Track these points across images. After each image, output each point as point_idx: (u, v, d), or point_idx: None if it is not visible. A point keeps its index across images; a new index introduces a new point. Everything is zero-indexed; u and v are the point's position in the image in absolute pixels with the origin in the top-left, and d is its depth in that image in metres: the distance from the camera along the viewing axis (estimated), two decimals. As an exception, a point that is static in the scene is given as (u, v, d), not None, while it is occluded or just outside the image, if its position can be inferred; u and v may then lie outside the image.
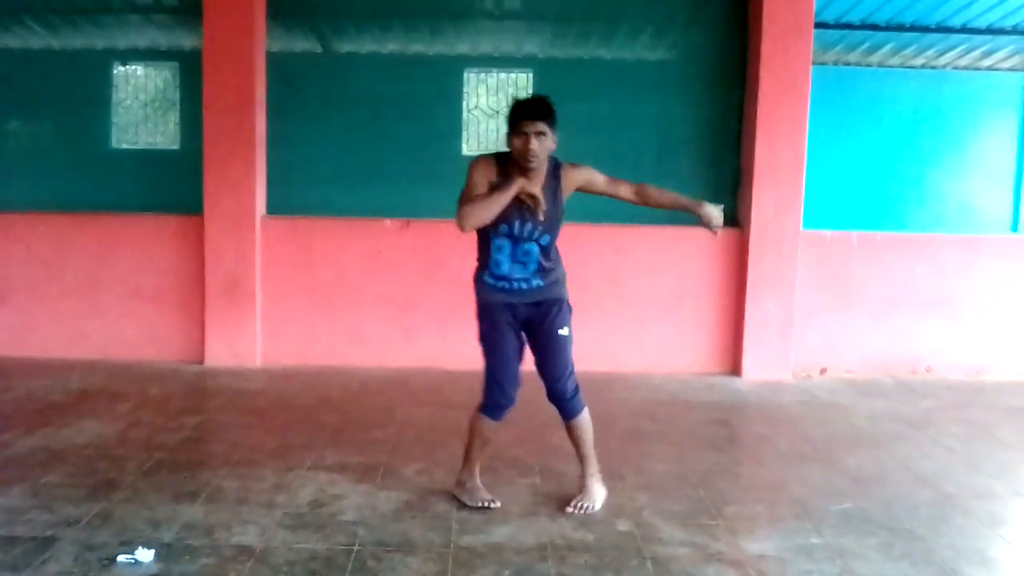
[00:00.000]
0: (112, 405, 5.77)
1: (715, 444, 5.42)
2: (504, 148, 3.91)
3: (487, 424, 4.10)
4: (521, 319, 4.02)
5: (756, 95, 6.83)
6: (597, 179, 4.01)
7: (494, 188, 3.82)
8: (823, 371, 7.20)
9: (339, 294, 7.06)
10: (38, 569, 3.37)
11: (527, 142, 3.74)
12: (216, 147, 6.85)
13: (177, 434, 5.18)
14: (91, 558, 3.49)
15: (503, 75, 7.28)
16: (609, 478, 4.52)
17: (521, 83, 7.24)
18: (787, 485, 4.60)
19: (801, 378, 7.07)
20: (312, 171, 7.18)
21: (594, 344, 6.98)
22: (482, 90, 7.29)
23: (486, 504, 4.10)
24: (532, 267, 3.95)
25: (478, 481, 4.21)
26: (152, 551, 3.51)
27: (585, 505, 4.12)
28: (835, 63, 7.36)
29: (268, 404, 5.95)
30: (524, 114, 3.76)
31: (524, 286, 3.97)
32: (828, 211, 7.26)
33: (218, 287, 6.95)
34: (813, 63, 6.87)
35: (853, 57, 7.36)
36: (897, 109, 7.29)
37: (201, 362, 7.02)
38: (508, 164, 3.87)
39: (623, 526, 3.98)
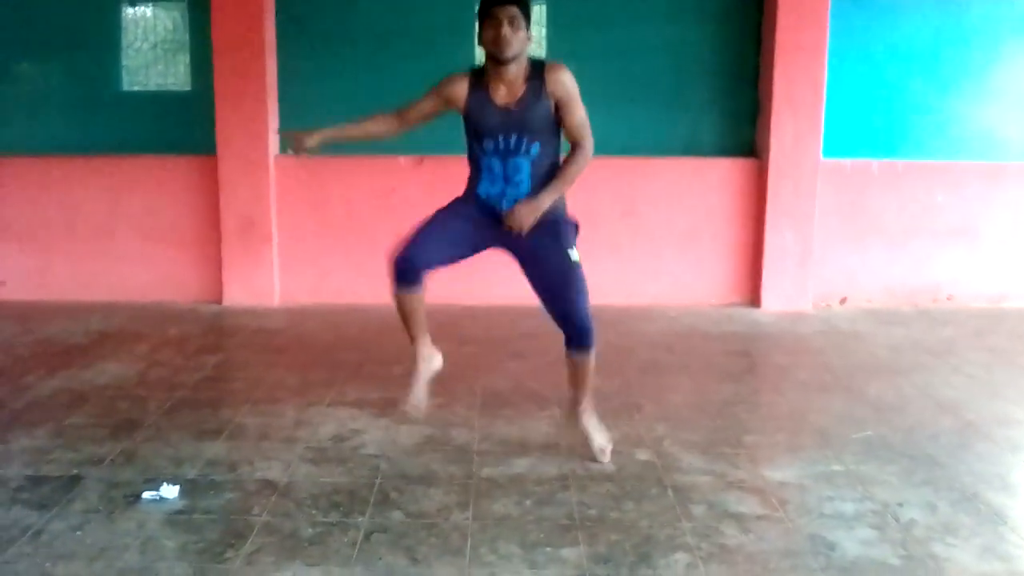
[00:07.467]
0: (132, 346, 5.80)
1: (734, 375, 5.41)
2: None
3: (397, 296, 3.82)
4: (504, 237, 3.69)
5: (774, 21, 6.69)
6: (569, 114, 3.64)
7: (469, 107, 3.66)
8: (843, 301, 7.16)
9: (354, 232, 7.03)
10: (65, 507, 3.41)
11: (499, 26, 3.50)
12: (227, 87, 6.79)
13: (197, 373, 5.21)
14: (116, 496, 3.53)
15: (515, 7, 7.15)
16: (627, 409, 4.54)
17: (534, 14, 7.11)
18: (807, 414, 4.60)
19: (821, 308, 7.03)
20: (324, 108, 7.08)
21: (610, 277, 6.95)
22: (494, 23, 7.16)
23: (407, 408, 3.94)
24: (526, 186, 3.63)
25: (419, 368, 3.97)
26: (176, 487, 3.55)
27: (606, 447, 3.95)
28: (855, -13, 7.19)
29: (287, 342, 5.97)
30: (495, 0, 3.54)
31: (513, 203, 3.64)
32: (848, 139, 7.15)
33: (234, 227, 6.94)
34: (832, -12, 6.74)
35: (873, -19, 7.20)
36: (918, 34, 7.13)
37: (219, 302, 7.03)
38: (483, 75, 3.66)
39: (643, 455, 3.99)
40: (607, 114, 7.00)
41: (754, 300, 7.03)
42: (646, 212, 7.02)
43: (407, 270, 3.72)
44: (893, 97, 7.15)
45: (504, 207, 3.67)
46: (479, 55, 7.07)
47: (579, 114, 3.67)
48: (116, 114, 7.24)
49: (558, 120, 3.67)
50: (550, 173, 3.67)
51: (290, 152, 3.72)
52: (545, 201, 3.59)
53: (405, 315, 3.89)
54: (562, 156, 3.75)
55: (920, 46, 7.12)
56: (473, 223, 3.74)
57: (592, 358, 3.84)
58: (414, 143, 6.90)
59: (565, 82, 3.63)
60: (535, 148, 3.63)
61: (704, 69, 7.10)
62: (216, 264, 7.05)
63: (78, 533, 3.21)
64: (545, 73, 3.62)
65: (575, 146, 3.70)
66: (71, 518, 3.33)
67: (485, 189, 3.71)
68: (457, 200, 3.83)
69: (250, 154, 6.85)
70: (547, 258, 3.71)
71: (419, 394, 3.95)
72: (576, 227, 3.80)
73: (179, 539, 3.18)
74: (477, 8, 3.63)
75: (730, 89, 7.10)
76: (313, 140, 3.70)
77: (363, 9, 7.09)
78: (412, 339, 3.97)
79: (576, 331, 3.75)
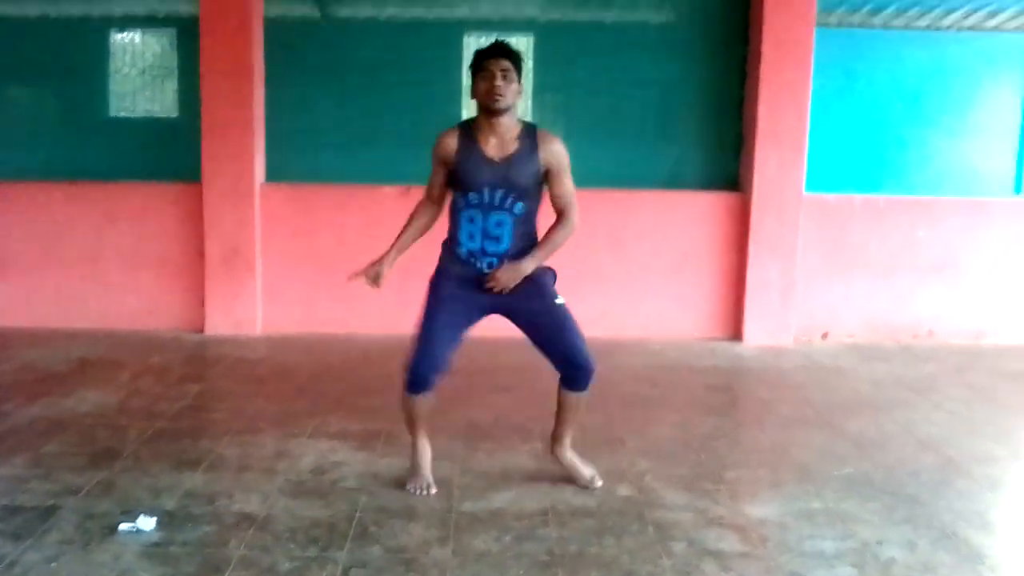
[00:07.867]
0: (113, 374, 5.77)
1: (717, 409, 5.42)
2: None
3: (409, 400, 3.86)
4: (491, 302, 3.75)
5: (759, 57, 6.77)
6: (559, 184, 3.76)
7: (459, 159, 3.67)
8: (825, 336, 7.18)
9: (339, 261, 6.94)
10: (40, 538, 3.38)
11: (492, 78, 3.58)
12: (214, 114, 6.80)
13: (178, 403, 5.18)
14: (93, 527, 3.49)
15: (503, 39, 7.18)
16: (610, 443, 4.53)
17: (522, 48, 7.15)
18: (789, 450, 4.60)
19: (803, 343, 7.06)
20: (311, 138, 7.14)
21: (595, 310, 6.95)
22: (481, 55, 7.21)
23: (419, 491, 3.88)
24: (505, 244, 3.69)
25: (420, 461, 3.99)
26: (154, 519, 3.52)
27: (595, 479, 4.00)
28: (838, 25, 7.26)
29: (269, 372, 5.95)
30: (488, 54, 3.64)
31: (495, 262, 3.70)
32: (830, 175, 7.20)
33: (218, 255, 6.92)
34: (816, 25, 6.79)
35: (856, 19, 7.26)
36: (900, 71, 7.21)
37: (201, 331, 7.00)
38: (474, 128, 3.71)
39: (625, 491, 3.98)
40: (592, 147, 7.09)
41: (736, 334, 7.05)
42: (630, 245, 7.04)
43: (421, 380, 3.79)
44: (875, 133, 7.23)
45: (484, 266, 3.72)
46: (466, 81, 7.12)
47: (568, 185, 3.77)
48: (102, 140, 7.24)
49: (541, 183, 3.75)
50: (530, 233, 3.75)
51: (369, 283, 3.79)
52: (528, 266, 3.67)
53: (413, 417, 3.97)
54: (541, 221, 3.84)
55: (902, 82, 7.21)
56: (463, 302, 3.77)
57: (587, 395, 3.90)
58: (399, 173, 6.94)
59: (559, 153, 3.73)
60: (518, 207, 3.68)
61: (688, 103, 7.17)
62: (199, 292, 7.02)
63: (53, 565, 3.18)
64: (539, 139, 3.70)
65: (561, 215, 3.80)
66: (46, 549, 3.29)
67: (465, 245, 3.74)
68: (439, 280, 3.83)
69: (236, 182, 6.85)
70: (537, 311, 3.77)
71: (427, 478, 3.97)
72: (554, 275, 3.87)
73: (155, 572, 3.14)
74: (470, 64, 3.70)
75: (714, 123, 7.16)
76: (383, 265, 3.80)
77: (352, 39, 7.13)
78: (414, 437, 4.03)
79: (578, 371, 3.81)
